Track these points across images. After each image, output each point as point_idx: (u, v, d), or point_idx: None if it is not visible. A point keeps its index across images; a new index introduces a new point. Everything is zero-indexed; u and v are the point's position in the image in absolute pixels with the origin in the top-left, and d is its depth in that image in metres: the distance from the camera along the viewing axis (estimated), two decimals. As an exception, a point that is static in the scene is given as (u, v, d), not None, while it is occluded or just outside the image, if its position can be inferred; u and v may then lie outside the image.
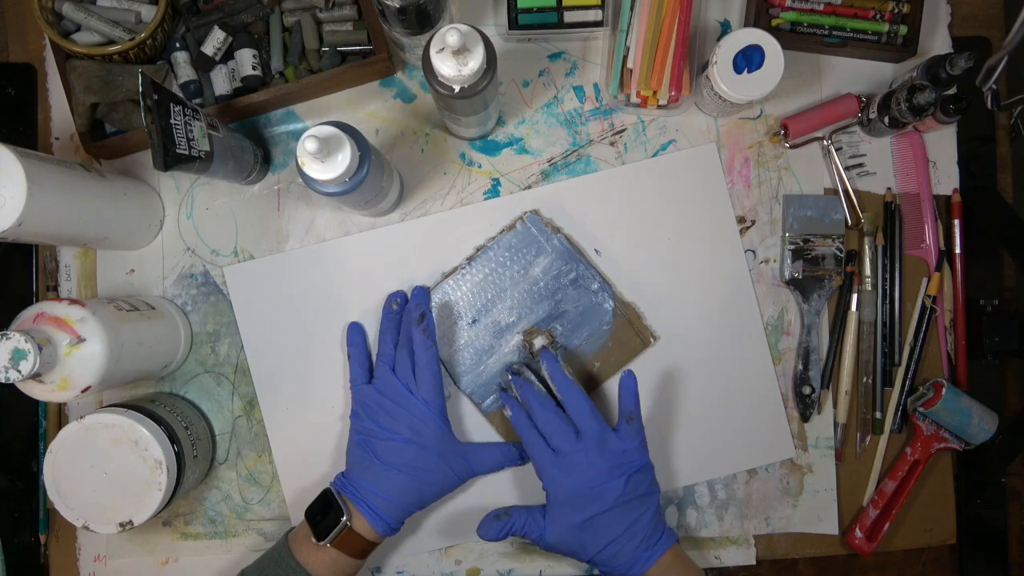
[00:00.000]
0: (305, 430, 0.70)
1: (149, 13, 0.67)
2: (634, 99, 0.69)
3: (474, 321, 0.69)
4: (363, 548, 0.60)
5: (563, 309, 0.69)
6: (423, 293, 0.67)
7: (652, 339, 0.69)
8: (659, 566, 0.59)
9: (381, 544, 0.62)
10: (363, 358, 0.67)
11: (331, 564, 0.59)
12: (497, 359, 0.69)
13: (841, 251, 0.71)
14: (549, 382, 0.64)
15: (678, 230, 0.71)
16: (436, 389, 0.63)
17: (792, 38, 0.70)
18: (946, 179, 0.73)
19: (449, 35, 0.50)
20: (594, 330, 0.69)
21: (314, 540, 0.59)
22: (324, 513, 0.60)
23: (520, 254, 0.69)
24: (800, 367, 0.70)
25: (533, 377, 0.65)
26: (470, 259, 0.70)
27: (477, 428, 0.70)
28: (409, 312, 0.66)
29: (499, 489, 0.70)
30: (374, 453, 0.62)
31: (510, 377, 0.66)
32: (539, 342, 0.68)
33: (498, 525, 0.61)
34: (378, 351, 0.66)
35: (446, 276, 0.69)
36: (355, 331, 0.69)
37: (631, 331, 0.69)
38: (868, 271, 0.71)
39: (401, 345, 0.65)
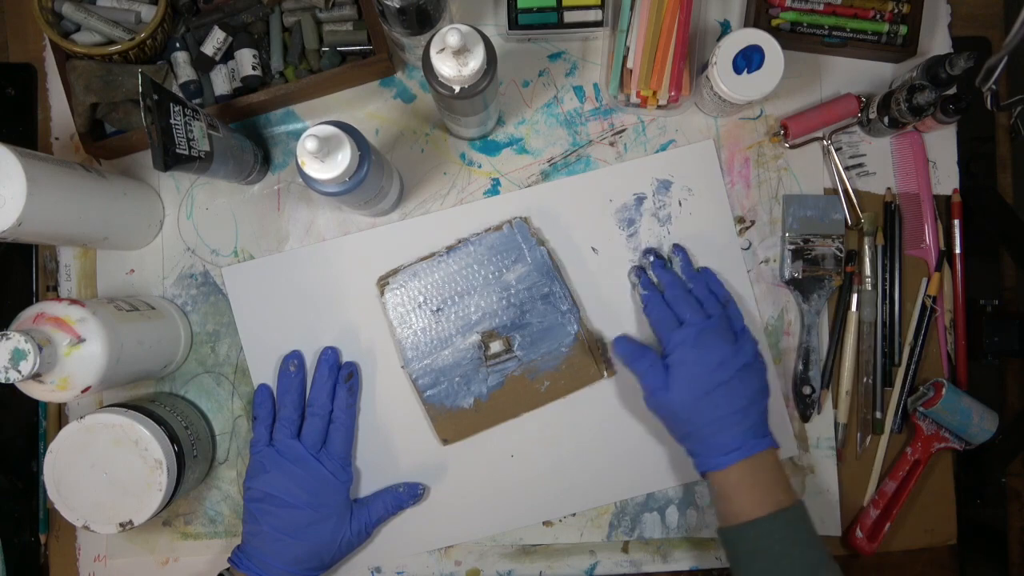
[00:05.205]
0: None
1: (149, 13, 0.67)
2: (634, 99, 0.68)
3: (438, 310, 0.69)
4: None
5: (527, 321, 0.69)
6: (335, 355, 0.68)
7: (605, 374, 0.69)
8: (757, 458, 0.59)
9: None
10: (270, 422, 0.67)
11: None
12: (451, 352, 0.69)
13: (841, 251, 0.71)
14: (679, 274, 0.68)
15: (677, 229, 0.71)
16: (347, 447, 0.66)
17: (792, 38, 0.70)
18: (946, 179, 0.73)
19: (449, 35, 0.50)
20: (552, 349, 0.69)
21: None
22: None
23: (499, 256, 0.69)
24: (800, 367, 0.70)
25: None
26: (450, 248, 0.69)
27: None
28: (331, 369, 0.67)
29: (506, 490, 0.70)
30: (267, 522, 0.63)
31: (651, 259, 0.69)
32: (496, 346, 0.68)
33: (632, 347, 0.64)
34: (279, 415, 0.66)
35: (422, 259, 0.69)
36: (263, 393, 0.69)
37: (589, 359, 0.69)
38: (868, 271, 0.71)
39: (310, 410, 0.66)
